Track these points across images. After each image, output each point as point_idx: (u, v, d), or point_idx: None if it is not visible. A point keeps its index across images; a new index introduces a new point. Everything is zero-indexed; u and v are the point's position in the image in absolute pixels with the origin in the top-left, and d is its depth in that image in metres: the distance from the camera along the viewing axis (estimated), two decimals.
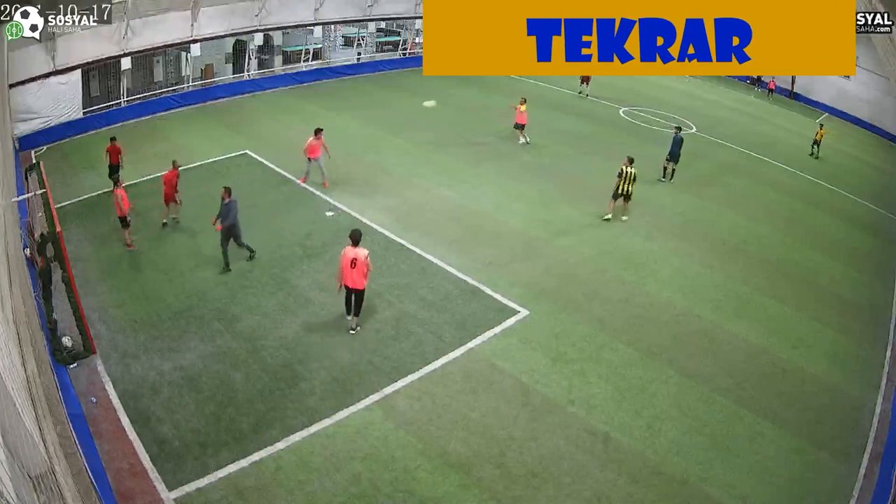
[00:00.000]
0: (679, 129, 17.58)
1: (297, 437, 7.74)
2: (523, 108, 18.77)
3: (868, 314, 12.32)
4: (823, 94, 32.17)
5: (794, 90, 33.52)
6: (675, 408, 8.85)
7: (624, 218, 14.50)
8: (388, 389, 8.65)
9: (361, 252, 9.42)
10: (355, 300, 9.69)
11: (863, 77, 29.61)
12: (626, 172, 14.11)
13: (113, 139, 13.94)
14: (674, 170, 17.43)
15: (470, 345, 9.70)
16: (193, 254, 11.74)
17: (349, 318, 9.86)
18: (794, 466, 8.10)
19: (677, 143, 17.03)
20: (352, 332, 9.77)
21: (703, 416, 8.75)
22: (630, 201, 14.41)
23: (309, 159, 14.59)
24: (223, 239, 11.10)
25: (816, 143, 22.53)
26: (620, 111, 24.83)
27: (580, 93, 26.33)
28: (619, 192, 14.23)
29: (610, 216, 14.43)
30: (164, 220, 12.77)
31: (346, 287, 9.62)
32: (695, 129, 23.43)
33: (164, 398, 8.21)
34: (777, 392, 9.48)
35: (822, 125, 23.10)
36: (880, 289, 13.56)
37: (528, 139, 18.95)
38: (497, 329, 10.13)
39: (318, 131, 14.54)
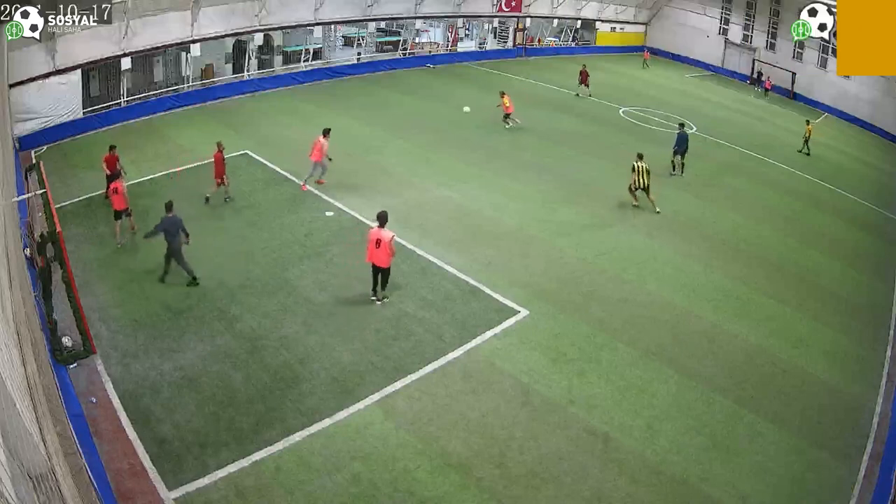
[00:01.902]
0: (682, 125, 18.23)
1: (297, 437, 7.73)
2: (507, 100, 20.50)
3: (868, 314, 12.32)
4: (824, 94, 32.20)
5: (795, 90, 33.55)
6: (675, 408, 8.85)
7: (658, 210, 15.04)
8: (388, 389, 8.64)
9: (387, 234, 10.04)
10: (382, 277, 10.37)
11: (863, 77, 29.62)
12: (638, 167, 14.76)
13: (112, 148, 13.29)
14: (683, 164, 17.90)
15: (470, 345, 9.70)
16: (193, 254, 11.71)
17: (373, 293, 10.48)
18: (794, 466, 8.10)
19: (682, 138, 17.59)
20: (378, 303, 10.42)
21: (703, 416, 8.75)
22: (651, 194, 15.01)
23: (314, 163, 14.52)
24: (169, 255, 10.59)
25: (806, 139, 22.64)
26: (620, 111, 24.83)
27: (577, 94, 26.27)
28: (636, 186, 14.92)
29: (637, 203, 15.17)
30: (208, 196, 13.60)
31: (372, 264, 10.23)
32: (695, 129, 23.43)
33: (164, 398, 8.21)
34: (777, 392, 9.47)
35: (808, 122, 23.13)
36: (880, 289, 13.56)
37: (518, 121, 20.65)
38: (497, 329, 10.13)
39: (326, 132, 14.64)
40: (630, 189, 15.08)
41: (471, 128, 20.24)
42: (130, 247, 11.90)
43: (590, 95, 26.19)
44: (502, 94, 20.76)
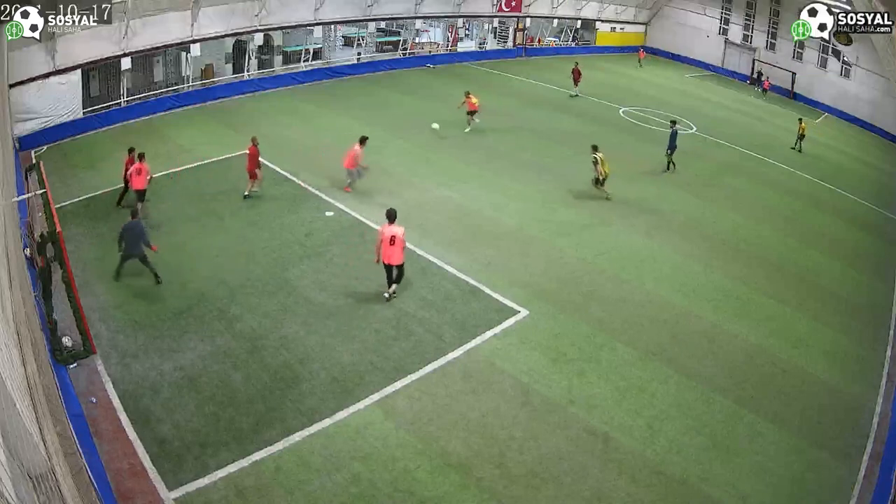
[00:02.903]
0: (674, 122, 18.31)
1: (297, 437, 7.73)
2: (475, 99, 19.78)
3: (868, 314, 12.31)
4: (823, 93, 32.20)
5: (795, 90, 33.55)
6: (675, 408, 8.85)
7: (608, 197, 15.40)
8: (388, 389, 8.64)
9: (399, 229, 10.17)
10: (398, 272, 10.51)
11: (863, 77, 29.65)
12: (600, 159, 15.19)
13: (131, 150, 13.01)
14: (670, 160, 18.04)
15: (470, 345, 9.70)
16: (193, 254, 11.73)
17: (390, 289, 10.58)
18: (794, 466, 8.10)
19: (673, 136, 17.75)
20: (387, 297, 10.55)
21: (703, 416, 8.75)
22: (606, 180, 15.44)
23: (347, 170, 14.45)
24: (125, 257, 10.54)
25: (800, 137, 22.70)
26: (620, 111, 24.83)
27: (576, 95, 26.16)
28: (603, 178, 15.31)
29: (610, 196, 15.41)
30: (246, 193, 13.94)
31: (386, 264, 10.33)
32: (695, 129, 23.44)
33: (164, 398, 8.21)
34: (777, 392, 9.48)
35: (801, 119, 23.15)
36: (880, 289, 13.56)
37: (476, 120, 19.89)
38: (497, 329, 10.13)
39: (362, 140, 14.39)
40: (597, 183, 15.35)
41: (471, 128, 20.21)
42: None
43: (575, 95, 26.02)
44: (467, 94, 19.92)
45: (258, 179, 14.01)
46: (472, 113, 19.83)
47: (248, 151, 13.98)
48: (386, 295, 10.58)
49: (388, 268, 10.44)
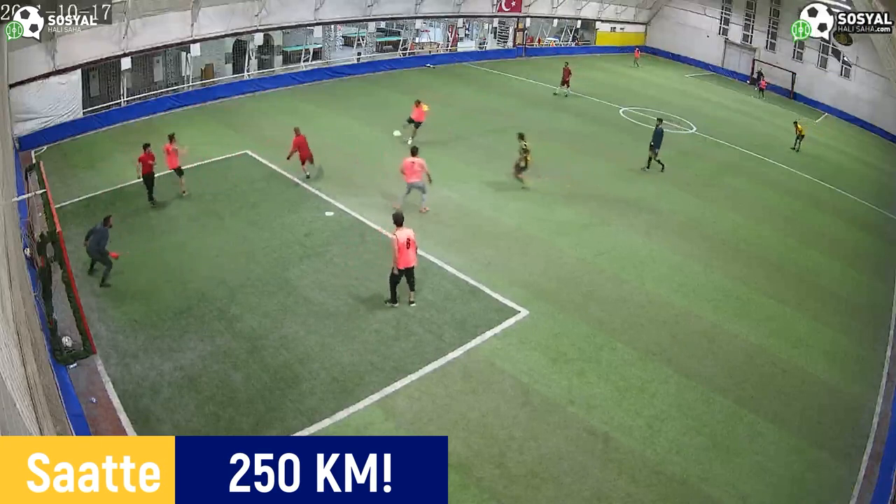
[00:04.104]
0: (660, 120, 18.12)
1: (296, 437, 7.73)
2: (426, 107, 17.78)
3: (868, 314, 12.31)
4: (823, 93, 32.20)
5: (795, 90, 33.55)
6: (675, 408, 8.85)
7: (525, 187, 15.48)
8: (388, 389, 8.64)
9: (411, 231, 10.14)
10: (413, 277, 10.33)
11: (863, 77, 29.66)
12: (528, 147, 15.31)
13: (146, 146, 13.11)
14: (655, 159, 17.85)
15: (470, 345, 9.70)
16: (193, 254, 11.74)
17: (410, 295, 10.49)
18: (794, 466, 8.10)
19: (659, 134, 17.59)
20: (412, 302, 10.48)
21: (703, 416, 8.75)
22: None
23: (408, 184, 13.48)
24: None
25: (799, 137, 22.75)
26: (620, 111, 24.83)
27: (565, 95, 26.07)
28: (524, 166, 15.43)
29: (526, 186, 15.49)
30: (307, 174, 15.03)
31: (403, 269, 10.12)
32: (695, 129, 23.45)
33: (164, 398, 8.21)
34: (777, 392, 9.48)
35: (796, 122, 23.17)
36: (880, 289, 13.56)
37: (411, 138, 17.41)
38: (497, 329, 10.13)
39: (414, 151, 13.59)
40: (518, 170, 15.44)
41: (471, 128, 20.22)
42: (129, 248, 11.86)
43: (557, 93, 25.92)
44: (417, 103, 17.75)
45: (312, 163, 14.92)
46: (415, 123, 17.71)
47: (295, 142, 14.64)
48: (410, 302, 10.45)
49: (408, 271, 10.19)
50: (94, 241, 10.37)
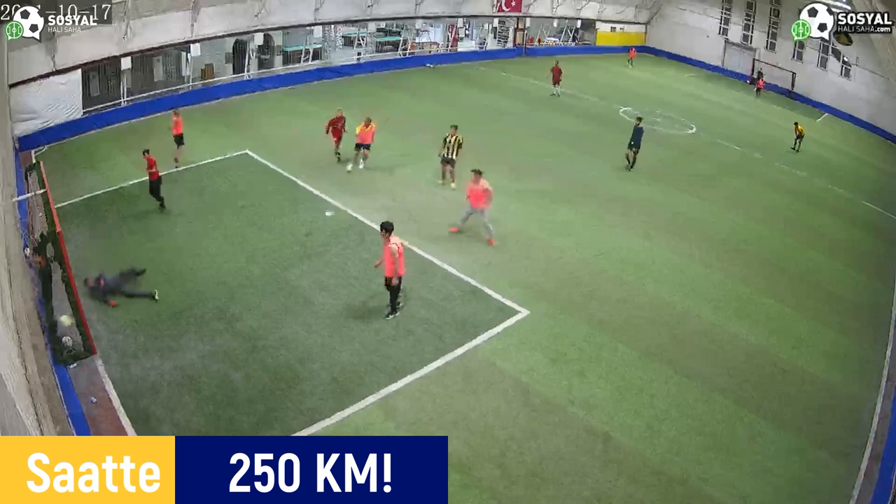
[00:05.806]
0: (640, 119, 18.07)
1: (296, 437, 7.73)
2: (374, 126, 15.60)
3: (868, 314, 12.32)
4: (823, 93, 32.20)
5: (795, 90, 33.55)
6: (675, 408, 8.85)
7: (454, 187, 15.02)
8: (388, 389, 8.64)
9: (398, 239, 9.92)
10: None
11: (863, 77, 29.67)
12: (454, 138, 14.97)
13: (146, 152, 12.99)
14: (635, 157, 17.80)
15: (470, 345, 9.69)
16: (193, 254, 11.73)
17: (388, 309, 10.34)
18: (794, 466, 8.10)
19: (639, 132, 17.55)
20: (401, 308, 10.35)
21: (703, 416, 8.75)
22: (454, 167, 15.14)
23: (473, 209, 12.52)
24: None
25: (799, 137, 22.79)
26: (620, 111, 24.83)
27: (558, 95, 26.01)
28: (448, 156, 15.04)
29: (443, 181, 15.33)
30: (338, 153, 16.02)
31: (400, 276, 9.89)
32: (695, 129, 23.45)
33: (164, 398, 8.21)
34: (777, 392, 9.48)
35: (796, 124, 23.19)
36: (880, 289, 13.56)
37: (361, 165, 15.69)
38: (497, 329, 10.13)
39: (477, 173, 12.26)
40: (446, 162, 15.12)
41: (470, 128, 20.19)
42: (129, 248, 11.87)
43: (554, 94, 25.90)
44: (368, 122, 15.42)
45: (339, 141, 15.78)
46: (363, 146, 15.54)
47: (336, 126, 15.68)
48: (397, 309, 10.22)
49: (399, 279, 9.89)
50: (113, 287, 10.10)
